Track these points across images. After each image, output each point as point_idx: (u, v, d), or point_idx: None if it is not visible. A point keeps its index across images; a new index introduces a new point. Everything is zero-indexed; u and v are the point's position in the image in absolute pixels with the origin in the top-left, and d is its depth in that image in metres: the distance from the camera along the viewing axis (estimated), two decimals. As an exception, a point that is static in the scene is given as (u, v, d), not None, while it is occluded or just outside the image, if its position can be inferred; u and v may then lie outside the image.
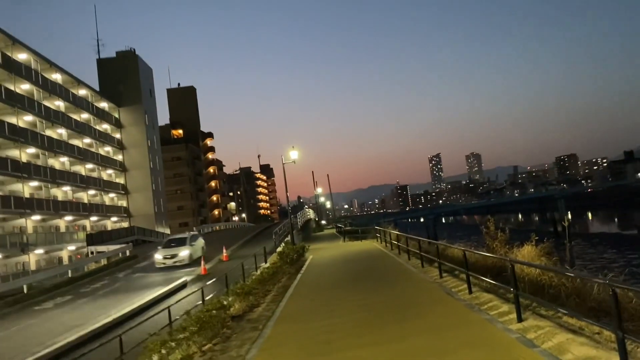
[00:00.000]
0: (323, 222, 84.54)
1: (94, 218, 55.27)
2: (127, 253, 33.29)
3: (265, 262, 21.21)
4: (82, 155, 54.25)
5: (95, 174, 57.86)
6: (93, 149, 57.55)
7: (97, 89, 63.66)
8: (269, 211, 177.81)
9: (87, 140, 56.71)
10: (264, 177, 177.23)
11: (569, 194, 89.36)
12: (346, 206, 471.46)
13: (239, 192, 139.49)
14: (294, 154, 25.02)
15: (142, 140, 66.99)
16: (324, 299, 11.85)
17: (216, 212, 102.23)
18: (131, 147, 66.43)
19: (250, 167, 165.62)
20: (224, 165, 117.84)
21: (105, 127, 62.73)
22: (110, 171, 62.65)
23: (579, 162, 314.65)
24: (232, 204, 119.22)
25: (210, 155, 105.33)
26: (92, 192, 56.00)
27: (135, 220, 63.88)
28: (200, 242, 26.72)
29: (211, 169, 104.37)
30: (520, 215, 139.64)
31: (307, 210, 63.05)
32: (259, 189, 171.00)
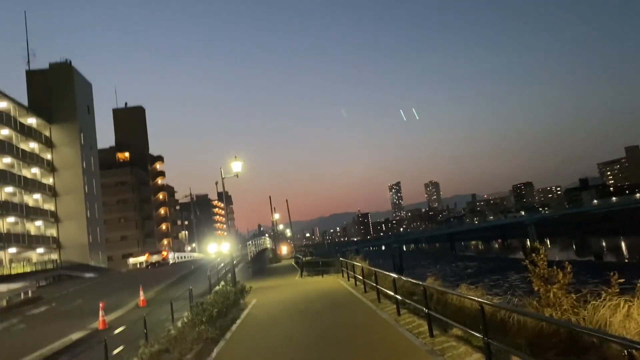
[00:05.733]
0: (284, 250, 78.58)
1: (12, 250, 47.61)
2: (29, 294, 26.54)
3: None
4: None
5: (16, 199, 50.33)
6: (15, 170, 50.23)
7: (26, 103, 56.59)
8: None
9: (8, 160, 49.43)
10: (222, 205, 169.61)
11: (539, 220, 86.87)
12: (308, 234, 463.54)
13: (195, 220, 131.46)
14: (236, 166, 19.53)
15: (77, 161, 59.75)
16: None
17: (165, 241, 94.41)
18: (63, 169, 59.08)
19: (207, 195, 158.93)
20: (176, 192, 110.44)
21: (32, 145, 55.49)
22: (37, 195, 55.09)
23: (534, 190, 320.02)
24: (184, 233, 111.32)
25: (160, 180, 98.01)
26: (11, 219, 48.50)
27: (66, 251, 56.40)
28: None
29: (161, 195, 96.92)
30: (480, 243, 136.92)
31: (265, 238, 57.81)
32: (216, 217, 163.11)
